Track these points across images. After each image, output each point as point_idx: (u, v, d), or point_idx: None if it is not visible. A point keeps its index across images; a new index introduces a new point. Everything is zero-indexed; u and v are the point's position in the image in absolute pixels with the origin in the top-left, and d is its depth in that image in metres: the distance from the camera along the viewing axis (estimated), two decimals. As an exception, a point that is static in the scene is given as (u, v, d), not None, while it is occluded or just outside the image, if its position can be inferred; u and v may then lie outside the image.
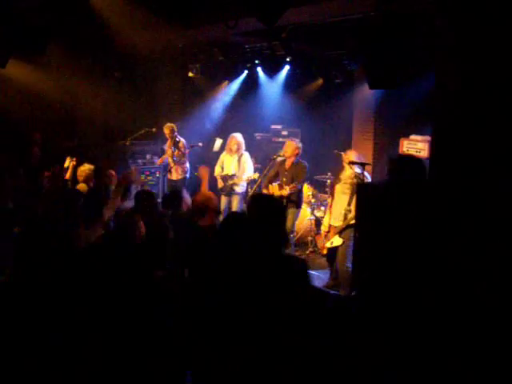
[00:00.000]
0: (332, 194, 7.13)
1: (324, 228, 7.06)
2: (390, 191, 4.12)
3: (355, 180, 6.49)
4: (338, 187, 6.89)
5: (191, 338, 3.19)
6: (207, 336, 3.17)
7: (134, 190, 6.89)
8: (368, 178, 6.72)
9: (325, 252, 7.06)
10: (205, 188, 6.53)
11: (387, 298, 3.72)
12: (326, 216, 7.13)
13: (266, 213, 3.25)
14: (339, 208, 6.77)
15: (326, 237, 6.92)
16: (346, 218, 6.63)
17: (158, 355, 2.96)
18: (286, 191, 7.44)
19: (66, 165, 7.58)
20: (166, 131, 9.66)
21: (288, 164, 7.76)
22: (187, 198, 6.41)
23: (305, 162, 7.79)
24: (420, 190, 3.76)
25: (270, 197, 5.16)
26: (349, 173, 6.67)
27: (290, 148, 7.73)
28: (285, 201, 7.54)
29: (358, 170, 6.51)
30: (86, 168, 7.23)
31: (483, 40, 3.23)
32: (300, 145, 7.81)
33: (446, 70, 3.55)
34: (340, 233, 6.69)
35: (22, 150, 9.67)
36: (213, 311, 3.16)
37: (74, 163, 7.58)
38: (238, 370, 3.02)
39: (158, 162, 10.36)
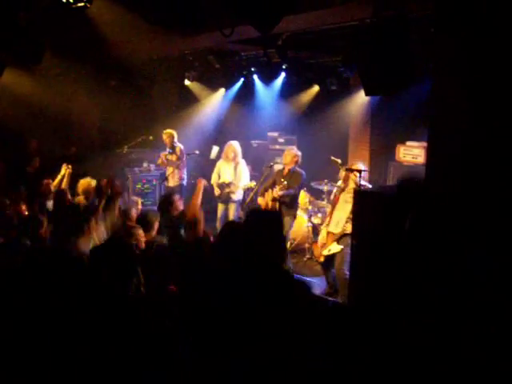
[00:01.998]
0: (333, 204, 7.15)
1: (322, 239, 7.06)
2: (387, 198, 4.12)
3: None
4: (341, 196, 6.95)
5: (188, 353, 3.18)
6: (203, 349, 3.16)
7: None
8: (367, 186, 6.75)
9: (322, 260, 7.06)
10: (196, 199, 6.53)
11: (384, 305, 3.71)
12: (324, 227, 7.14)
13: (264, 227, 3.25)
14: (340, 216, 6.79)
15: (324, 245, 6.93)
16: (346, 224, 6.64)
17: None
18: (276, 192, 7.48)
19: (61, 173, 7.56)
20: (165, 137, 9.69)
21: (285, 171, 7.80)
22: (179, 202, 6.42)
23: (302, 170, 7.82)
24: (417, 196, 3.76)
25: (268, 211, 5.16)
26: (353, 184, 6.70)
27: (289, 156, 7.79)
28: (277, 204, 7.56)
29: (356, 176, 6.53)
30: (85, 182, 7.22)
31: (480, 47, 3.24)
32: (299, 153, 7.85)
33: (442, 77, 3.56)
34: (338, 240, 6.71)
35: (19, 158, 9.67)
36: (208, 325, 3.16)
37: (70, 171, 7.57)
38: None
39: (158, 161, 10.21)
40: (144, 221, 5.73)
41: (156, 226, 5.81)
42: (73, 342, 2.74)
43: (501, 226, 3.03)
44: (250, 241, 3.19)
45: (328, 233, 6.95)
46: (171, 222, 6.11)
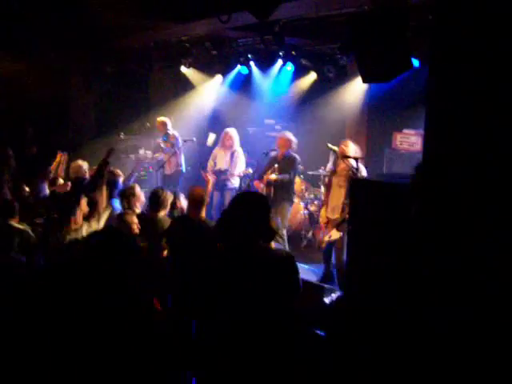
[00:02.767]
0: (328, 187, 7.15)
1: (322, 220, 7.07)
2: (383, 186, 4.11)
3: (350, 173, 6.50)
4: (333, 180, 6.92)
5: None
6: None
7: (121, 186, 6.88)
8: (363, 170, 6.73)
9: (324, 245, 7.06)
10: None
11: (379, 294, 3.72)
12: (323, 209, 7.13)
13: (248, 207, 3.26)
14: (336, 201, 6.77)
15: (325, 230, 6.92)
16: (343, 210, 6.62)
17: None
18: (269, 175, 7.55)
19: (57, 160, 7.54)
20: (158, 124, 9.68)
21: (279, 156, 7.81)
22: (183, 202, 6.38)
23: (296, 155, 7.83)
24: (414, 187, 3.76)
25: (253, 192, 5.17)
26: (343, 165, 6.68)
27: (282, 140, 7.81)
28: (272, 189, 7.60)
29: (352, 162, 6.52)
30: (76, 165, 7.20)
31: (479, 35, 3.23)
32: (293, 138, 7.87)
33: (439, 64, 3.55)
34: (337, 226, 6.69)
35: (16, 145, 9.63)
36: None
37: (66, 157, 7.56)
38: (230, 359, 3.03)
39: (156, 155, 10.17)
40: (155, 199, 5.71)
41: (168, 205, 5.79)
42: (72, 341, 2.73)
43: (500, 217, 3.04)
44: (233, 221, 3.19)
45: (327, 219, 6.95)
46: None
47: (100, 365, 2.67)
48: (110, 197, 6.23)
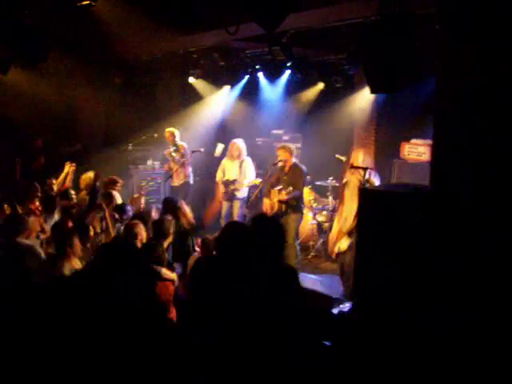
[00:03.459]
0: (341, 200, 7.10)
1: (332, 236, 7.02)
2: (392, 197, 4.10)
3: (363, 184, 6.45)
4: (346, 193, 6.87)
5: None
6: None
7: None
8: (376, 181, 6.68)
9: (334, 256, 7.03)
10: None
11: (389, 299, 3.70)
12: (336, 219, 7.08)
13: (267, 235, 3.34)
14: (347, 213, 6.70)
15: (335, 242, 6.88)
16: (355, 220, 6.55)
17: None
18: (283, 196, 7.50)
19: (65, 171, 7.57)
20: (167, 135, 9.70)
21: (287, 168, 7.77)
22: (187, 210, 6.37)
23: (303, 166, 7.80)
24: (422, 195, 3.75)
25: (271, 219, 5.14)
26: (356, 177, 6.62)
27: (283, 152, 7.75)
28: (284, 206, 7.56)
29: (362, 173, 6.46)
30: (87, 176, 7.22)
31: (484, 45, 3.23)
32: (292, 146, 7.88)
33: (447, 74, 3.55)
34: (349, 235, 6.64)
35: (24, 156, 9.70)
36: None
37: (74, 168, 7.57)
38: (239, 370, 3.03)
39: (165, 167, 10.20)
40: (161, 229, 5.58)
41: (171, 233, 5.70)
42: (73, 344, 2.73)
43: (500, 217, 3.02)
44: (255, 244, 3.28)
45: (339, 229, 6.90)
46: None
47: (100, 365, 2.67)
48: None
